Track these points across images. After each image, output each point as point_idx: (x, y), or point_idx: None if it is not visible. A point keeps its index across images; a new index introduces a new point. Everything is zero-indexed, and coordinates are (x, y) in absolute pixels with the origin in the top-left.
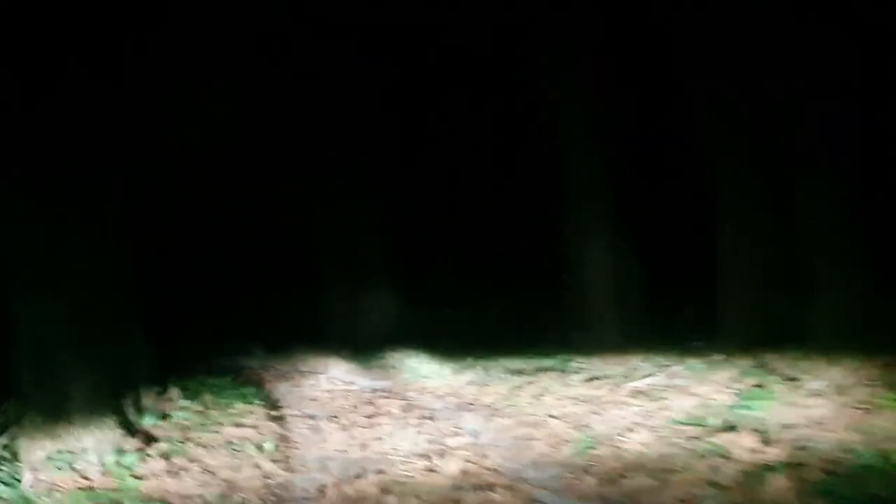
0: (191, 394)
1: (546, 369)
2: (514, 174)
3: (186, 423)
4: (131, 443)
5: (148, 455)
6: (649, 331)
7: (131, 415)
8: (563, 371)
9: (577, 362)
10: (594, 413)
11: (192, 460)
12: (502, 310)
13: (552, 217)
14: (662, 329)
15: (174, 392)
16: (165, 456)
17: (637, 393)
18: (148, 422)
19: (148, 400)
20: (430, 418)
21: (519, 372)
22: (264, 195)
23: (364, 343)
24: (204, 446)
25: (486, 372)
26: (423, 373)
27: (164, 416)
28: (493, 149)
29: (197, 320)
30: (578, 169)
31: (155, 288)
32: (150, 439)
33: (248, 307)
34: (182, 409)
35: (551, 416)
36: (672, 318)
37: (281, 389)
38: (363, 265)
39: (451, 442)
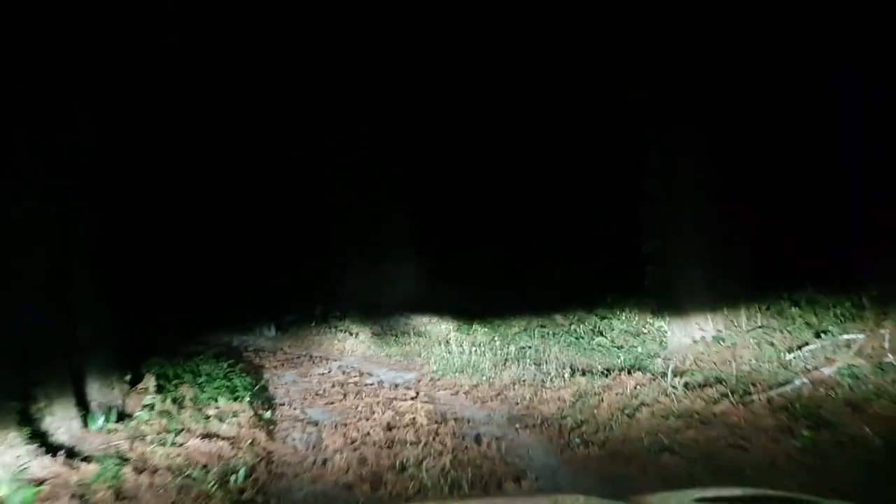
0: (171, 385)
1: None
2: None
3: (145, 428)
4: (40, 464)
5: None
6: None
7: (62, 418)
8: None
9: None
10: None
11: None
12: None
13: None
14: None
15: (149, 382)
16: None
17: None
18: (94, 426)
19: (108, 393)
20: (475, 439)
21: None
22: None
23: (385, 315)
24: (145, 470)
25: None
26: (455, 363)
27: (123, 417)
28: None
29: (212, 296)
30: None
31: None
32: (70, 456)
33: (267, 283)
34: (148, 406)
35: None
36: None
37: (282, 380)
38: (388, 239)
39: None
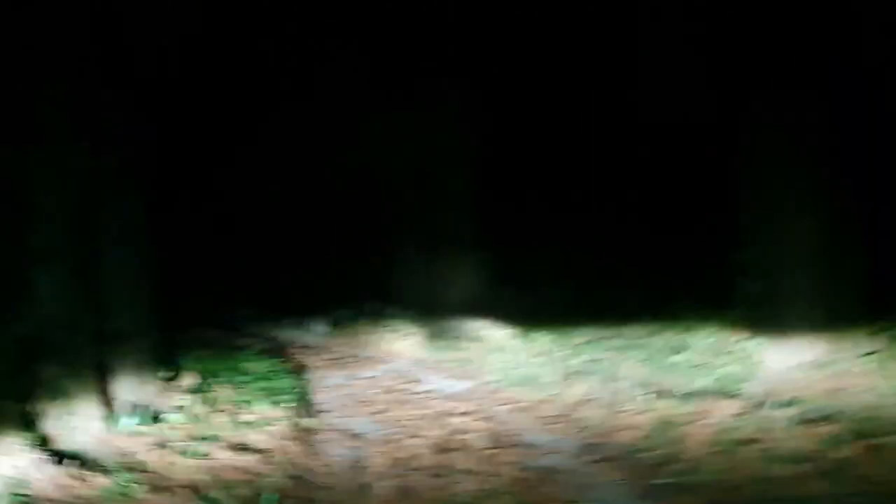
0: (209, 384)
1: None
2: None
3: (172, 434)
4: (45, 474)
5: None
6: None
7: (83, 419)
8: None
9: None
10: None
11: None
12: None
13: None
14: None
15: (187, 379)
16: None
17: None
18: (119, 428)
19: (140, 390)
20: (541, 474)
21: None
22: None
23: (440, 316)
24: (163, 487)
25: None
26: (515, 374)
27: (153, 418)
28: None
29: (264, 288)
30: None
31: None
32: (84, 465)
33: (321, 275)
34: (179, 408)
35: None
36: None
37: (327, 383)
38: (445, 234)
39: None
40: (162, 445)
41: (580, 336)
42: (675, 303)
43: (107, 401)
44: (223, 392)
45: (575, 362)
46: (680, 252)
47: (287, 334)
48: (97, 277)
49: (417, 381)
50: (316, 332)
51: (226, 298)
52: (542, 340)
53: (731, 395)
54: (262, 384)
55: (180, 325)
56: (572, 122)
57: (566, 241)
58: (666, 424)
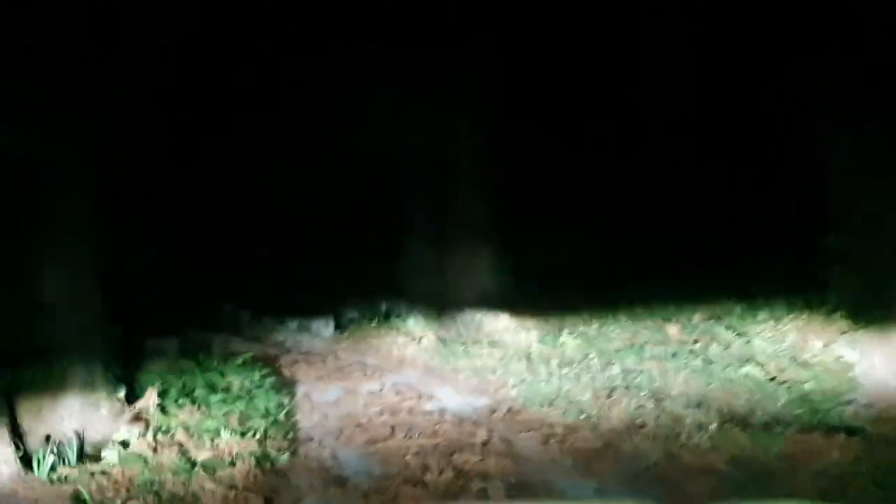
0: (176, 403)
1: None
2: None
3: (103, 481)
4: None
5: None
6: None
7: None
8: None
9: None
10: None
11: None
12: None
13: None
14: None
15: (152, 398)
16: None
17: None
18: (40, 470)
19: (88, 416)
20: None
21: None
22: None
23: (454, 316)
24: None
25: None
26: (542, 389)
27: (91, 455)
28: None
29: (267, 287)
30: None
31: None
32: None
33: (328, 273)
34: (123, 443)
35: None
36: None
37: (322, 398)
38: (459, 225)
39: None
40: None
41: (615, 340)
42: (732, 295)
43: (25, 434)
44: (188, 416)
45: (613, 373)
46: (732, 236)
47: (288, 337)
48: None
49: (428, 396)
50: (320, 335)
51: (225, 298)
52: (573, 345)
53: (832, 424)
54: (240, 405)
55: (165, 329)
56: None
57: (595, 229)
58: (753, 470)
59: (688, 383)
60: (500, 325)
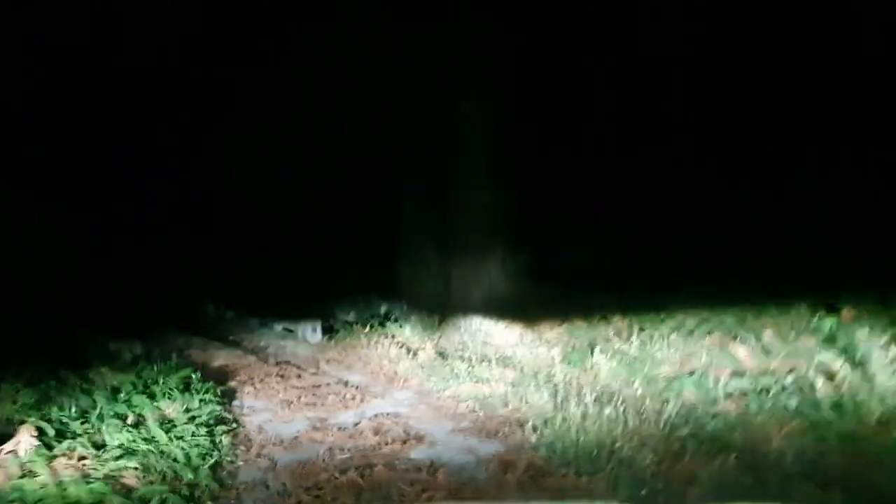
0: (64, 440)
1: None
2: None
3: None
4: None
5: None
6: None
7: None
8: None
9: None
10: None
11: None
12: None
13: None
14: None
15: (23, 441)
16: None
17: None
18: None
19: None
20: None
21: None
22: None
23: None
24: None
25: None
26: (571, 436)
27: None
28: None
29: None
30: None
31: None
32: None
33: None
34: None
35: None
36: None
37: (276, 436)
38: (466, 219)
39: None
40: None
41: (666, 361)
42: (816, 303)
43: None
44: (63, 469)
45: (672, 415)
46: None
47: (272, 341)
48: None
49: (417, 437)
50: (306, 340)
51: (212, 298)
52: (607, 368)
53: None
54: (148, 450)
55: (142, 330)
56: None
57: (622, 224)
58: None
59: (792, 440)
60: (513, 337)
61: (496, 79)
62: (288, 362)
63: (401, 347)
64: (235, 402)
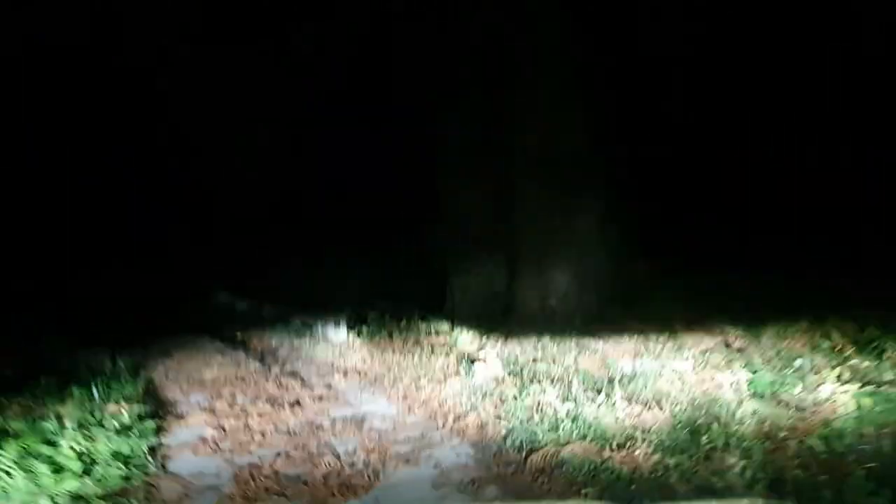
0: None
1: None
2: None
3: None
4: None
5: None
6: None
7: None
8: None
9: None
10: None
11: None
12: None
13: None
14: None
15: None
16: None
17: None
18: None
19: None
20: None
21: None
22: None
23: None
24: None
25: None
26: None
27: None
28: None
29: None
30: None
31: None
32: None
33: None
34: None
35: None
36: None
37: None
38: (536, 172)
39: None
40: None
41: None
42: None
43: None
44: None
45: None
46: None
47: (286, 340)
48: None
49: None
50: (328, 339)
51: (219, 286)
52: (862, 407)
53: None
54: None
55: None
56: None
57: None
58: None
59: None
60: (629, 343)
61: None
62: (295, 374)
63: (448, 355)
64: (172, 464)
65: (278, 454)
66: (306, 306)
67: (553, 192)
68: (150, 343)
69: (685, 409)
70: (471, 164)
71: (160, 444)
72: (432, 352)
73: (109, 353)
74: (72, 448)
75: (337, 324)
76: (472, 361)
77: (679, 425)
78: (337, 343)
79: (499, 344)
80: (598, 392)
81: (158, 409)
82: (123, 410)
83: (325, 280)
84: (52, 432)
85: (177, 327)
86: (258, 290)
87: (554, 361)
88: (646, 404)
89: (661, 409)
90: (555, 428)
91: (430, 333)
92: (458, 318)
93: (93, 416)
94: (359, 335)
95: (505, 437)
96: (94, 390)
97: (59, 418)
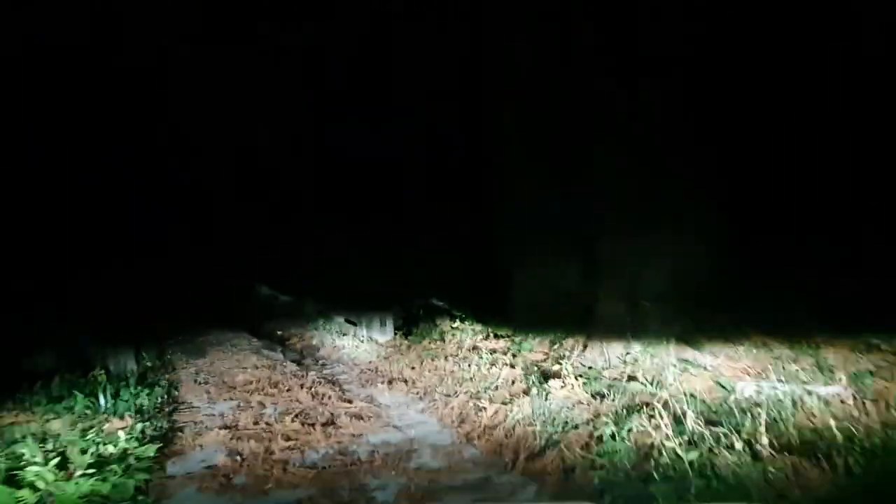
0: None
1: None
2: None
3: None
4: None
5: None
6: None
7: None
8: None
9: None
10: None
11: None
12: None
13: None
14: None
15: None
16: None
17: None
18: None
19: None
20: None
21: None
22: None
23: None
24: None
25: None
26: None
27: None
28: None
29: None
30: None
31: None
32: None
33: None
34: None
35: None
36: None
37: None
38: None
39: None
40: None
41: None
42: None
43: None
44: None
45: None
46: None
47: (326, 337)
48: None
49: None
50: (373, 339)
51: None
52: None
53: None
54: None
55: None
56: None
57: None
58: None
59: None
60: (745, 360)
61: None
62: (333, 381)
63: (512, 365)
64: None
65: (299, 501)
66: (352, 302)
67: (642, 168)
68: (187, 340)
69: (860, 463)
70: (534, 140)
71: (160, 475)
72: (491, 360)
73: (135, 354)
74: (32, 488)
75: (383, 322)
76: (545, 376)
77: (859, 490)
78: (382, 342)
79: (575, 354)
80: (714, 426)
81: (172, 424)
82: (122, 433)
83: (373, 276)
84: (17, 464)
85: (215, 323)
86: (301, 284)
87: (652, 381)
88: (794, 450)
89: (819, 459)
90: (679, 487)
91: (488, 337)
92: (520, 320)
93: (84, 438)
94: (407, 336)
95: (602, 494)
96: (102, 399)
97: (43, 439)
